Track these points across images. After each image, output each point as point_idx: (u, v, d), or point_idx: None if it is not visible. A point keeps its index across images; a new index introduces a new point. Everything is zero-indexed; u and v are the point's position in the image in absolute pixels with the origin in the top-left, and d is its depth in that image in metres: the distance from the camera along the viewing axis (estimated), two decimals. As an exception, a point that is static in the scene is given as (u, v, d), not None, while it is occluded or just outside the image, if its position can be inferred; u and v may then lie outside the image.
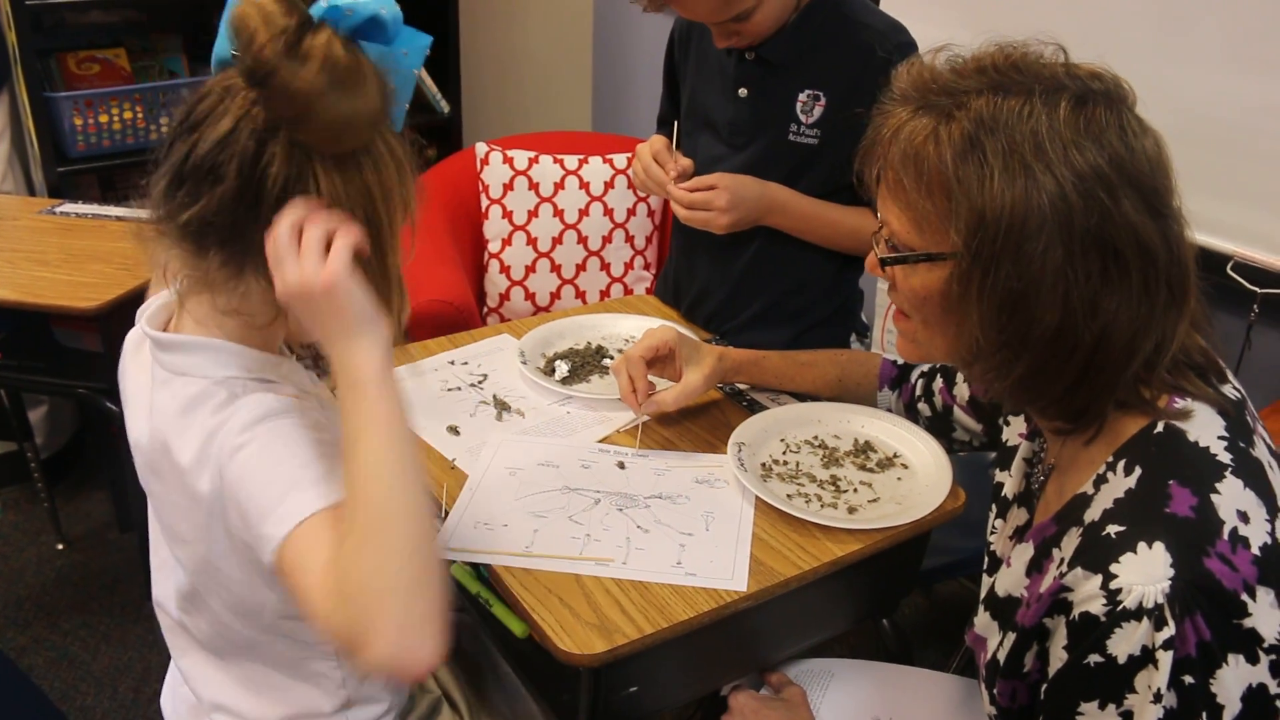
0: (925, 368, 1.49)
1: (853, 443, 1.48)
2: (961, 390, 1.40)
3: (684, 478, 1.42)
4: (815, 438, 1.49)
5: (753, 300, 1.77)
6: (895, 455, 1.45)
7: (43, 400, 2.74)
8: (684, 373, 1.49)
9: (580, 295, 2.76)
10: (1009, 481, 1.18)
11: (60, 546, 2.66)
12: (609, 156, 2.72)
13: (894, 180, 0.97)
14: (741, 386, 1.62)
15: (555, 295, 2.76)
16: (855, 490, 1.39)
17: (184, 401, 1.01)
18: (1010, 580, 1.07)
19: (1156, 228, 0.89)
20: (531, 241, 2.71)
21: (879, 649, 1.53)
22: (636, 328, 1.78)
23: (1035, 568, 1.03)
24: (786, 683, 1.39)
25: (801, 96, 1.64)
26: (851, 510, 1.35)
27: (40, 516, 2.72)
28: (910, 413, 1.50)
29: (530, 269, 2.73)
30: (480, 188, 2.74)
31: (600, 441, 1.49)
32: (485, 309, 2.77)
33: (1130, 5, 1.90)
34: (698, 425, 1.54)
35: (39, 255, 2.10)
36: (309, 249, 0.92)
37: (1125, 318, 0.90)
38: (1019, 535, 1.12)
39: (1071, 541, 0.95)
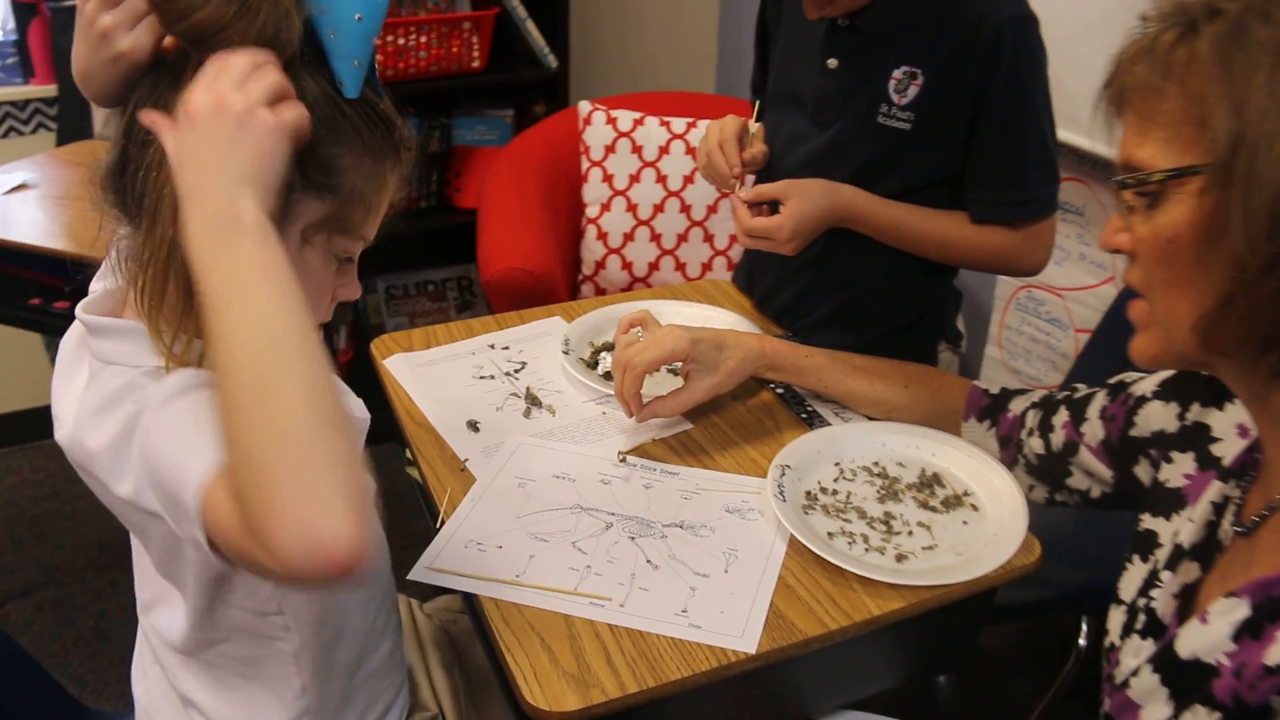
0: (1037, 398, 1.25)
1: (919, 474, 1.26)
2: (1094, 428, 1.14)
3: (713, 504, 1.24)
4: (876, 464, 1.28)
5: (825, 300, 1.54)
6: (965, 493, 1.23)
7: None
8: (689, 378, 1.33)
9: (680, 267, 2.59)
10: (1186, 529, 0.96)
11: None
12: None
13: (1140, 93, 0.83)
14: (803, 393, 1.43)
15: (654, 266, 2.59)
16: (910, 533, 1.18)
17: (107, 396, 0.90)
18: (1205, 642, 0.84)
19: None
20: (631, 208, 2.55)
21: (932, 709, 1.32)
22: (701, 318, 1.60)
23: (1251, 632, 0.80)
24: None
25: (896, 73, 1.40)
26: (900, 558, 1.14)
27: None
28: (1007, 449, 1.26)
29: (629, 237, 2.57)
30: (581, 149, 2.58)
31: (628, 453, 1.32)
32: (580, 277, 2.62)
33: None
34: (744, 438, 1.35)
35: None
36: (232, 68, 0.78)
37: None
38: (1185, 595, 0.93)
39: None
